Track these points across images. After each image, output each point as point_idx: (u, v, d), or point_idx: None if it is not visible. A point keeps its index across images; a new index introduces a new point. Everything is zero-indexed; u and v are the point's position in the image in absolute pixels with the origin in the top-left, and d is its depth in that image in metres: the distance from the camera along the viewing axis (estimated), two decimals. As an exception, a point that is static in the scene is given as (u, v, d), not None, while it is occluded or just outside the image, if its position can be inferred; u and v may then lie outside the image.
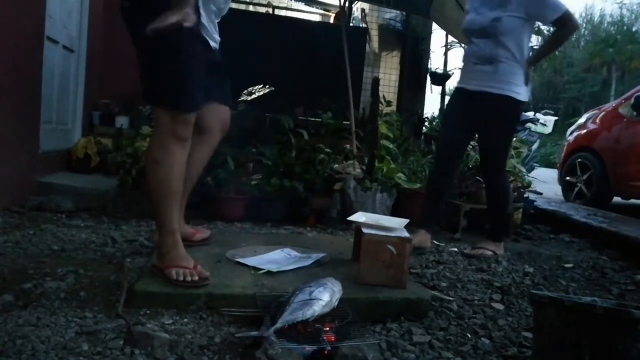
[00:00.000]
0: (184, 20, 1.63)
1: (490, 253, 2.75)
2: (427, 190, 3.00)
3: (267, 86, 4.53)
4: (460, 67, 2.83)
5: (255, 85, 4.57)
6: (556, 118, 10.15)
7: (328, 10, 7.38)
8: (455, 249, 2.87)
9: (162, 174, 1.78)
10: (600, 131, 5.19)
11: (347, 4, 5.68)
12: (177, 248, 1.80)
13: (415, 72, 6.05)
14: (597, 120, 5.30)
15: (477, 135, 2.86)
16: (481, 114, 2.67)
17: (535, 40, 8.86)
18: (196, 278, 1.73)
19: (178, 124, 1.75)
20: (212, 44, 1.91)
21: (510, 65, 2.60)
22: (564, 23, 2.59)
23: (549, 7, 2.57)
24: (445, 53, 7.39)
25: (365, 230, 1.96)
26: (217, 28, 1.97)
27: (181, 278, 1.72)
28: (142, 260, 2.14)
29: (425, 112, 6.25)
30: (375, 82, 3.75)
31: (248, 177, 3.28)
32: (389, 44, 6.26)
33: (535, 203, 4.02)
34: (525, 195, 3.88)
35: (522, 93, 2.65)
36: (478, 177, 3.51)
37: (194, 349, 1.43)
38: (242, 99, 4.51)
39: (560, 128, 12.40)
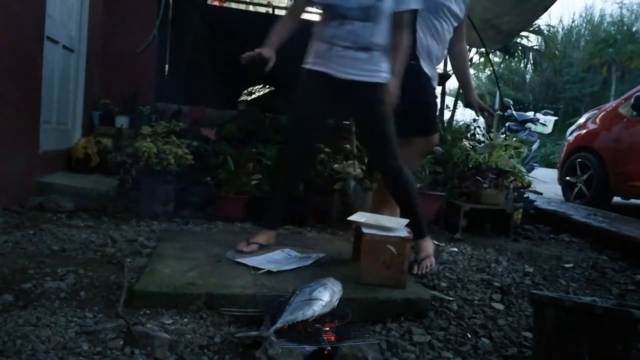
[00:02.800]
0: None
1: (432, 260, 2.38)
2: (277, 184, 2.56)
3: (267, 86, 4.54)
4: (314, 46, 2.34)
5: (255, 85, 4.58)
6: (556, 118, 10.16)
7: (328, 10, 7.36)
8: (455, 249, 2.87)
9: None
10: (600, 131, 5.19)
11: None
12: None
13: (415, 72, 6.04)
14: (597, 120, 5.30)
15: (356, 126, 2.72)
16: (358, 103, 2.34)
17: (535, 40, 8.91)
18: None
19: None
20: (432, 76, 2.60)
21: (381, 55, 2.28)
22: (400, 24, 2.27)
23: None
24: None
25: (365, 230, 1.96)
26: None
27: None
28: (142, 260, 2.14)
29: (425, 112, 6.25)
30: (375, 82, 3.74)
31: (248, 177, 3.28)
32: (389, 44, 6.25)
33: (535, 203, 4.03)
34: (525, 195, 3.88)
35: (388, 77, 2.36)
36: (478, 177, 3.51)
37: (194, 349, 1.43)
38: (242, 99, 4.52)
39: (560, 128, 12.40)
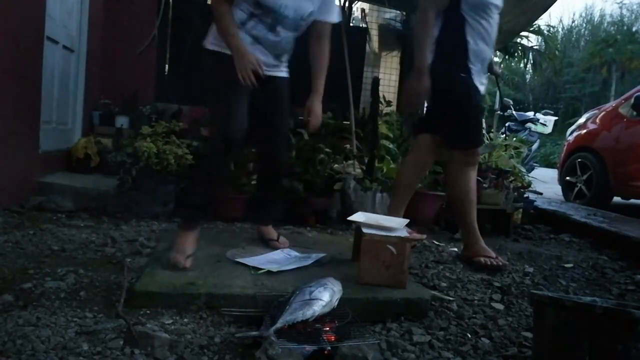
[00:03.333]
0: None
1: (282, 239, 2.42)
2: (205, 180, 2.15)
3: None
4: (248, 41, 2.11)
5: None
6: (556, 118, 10.15)
7: (328, 10, 7.37)
8: (456, 249, 2.87)
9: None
10: (600, 131, 5.19)
11: (347, 4, 5.68)
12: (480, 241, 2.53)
13: (415, 72, 6.05)
14: (597, 120, 5.30)
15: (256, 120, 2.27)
16: (272, 96, 2.29)
17: (535, 40, 8.90)
18: (500, 263, 2.42)
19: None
20: (481, 87, 2.50)
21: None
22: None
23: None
24: (445, 53, 7.40)
25: (365, 230, 1.96)
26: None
27: (489, 263, 2.42)
28: (142, 260, 2.14)
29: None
30: (375, 82, 3.75)
31: (248, 177, 3.28)
32: (389, 44, 6.26)
33: (535, 203, 4.02)
34: (525, 195, 3.88)
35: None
36: (478, 177, 3.51)
37: (194, 349, 1.43)
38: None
39: (560, 128, 12.39)
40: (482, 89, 2.55)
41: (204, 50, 2.18)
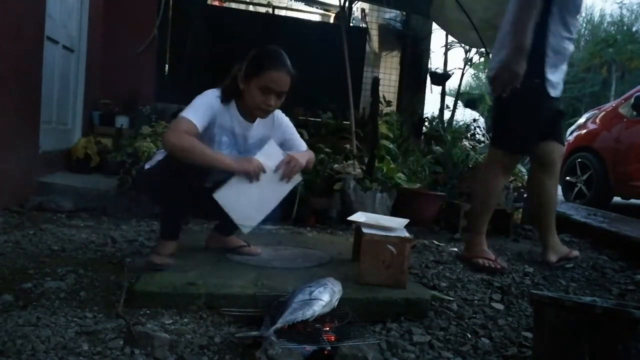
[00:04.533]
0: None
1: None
2: (172, 194, 1.91)
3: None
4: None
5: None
6: (556, 118, 10.12)
7: (328, 10, 7.38)
8: (456, 249, 2.87)
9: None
10: (600, 131, 5.19)
11: (347, 4, 5.68)
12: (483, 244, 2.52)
13: (415, 72, 6.06)
14: (597, 120, 5.30)
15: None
16: None
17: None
18: (498, 267, 2.43)
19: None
20: (556, 91, 2.40)
21: None
22: None
23: None
24: (445, 53, 7.42)
25: (365, 230, 1.96)
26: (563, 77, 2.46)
27: (487, 265, 2.42)
28: (142, 260, 2.14)
29: (425, 112, 6.26)
30: (375, 82, 3.75)
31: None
32: (389, 44, 6.27)
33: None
34: (525, 195, 3.88)
35: None
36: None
37: (194, 349, 1.43)
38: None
39: (560, 128, 12.35)
40: (557, 92, 2.41)
41: (146, 172, 2.01)
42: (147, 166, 2.01)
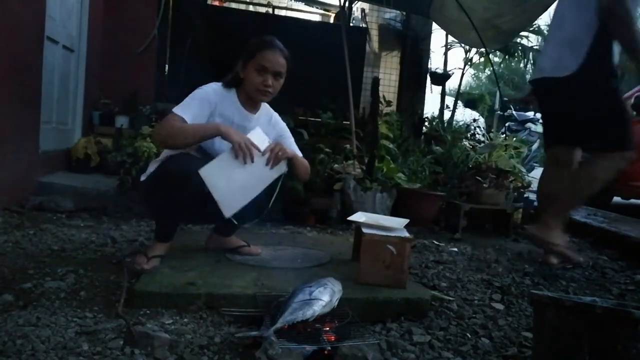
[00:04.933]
0: None
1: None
2: (166, 199, 1.92)
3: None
4: None
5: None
6: (556, 118, 10.11)
7: (328, 10, 7.38)
8: (456, 249, 2.87)
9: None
10: (601, 131, 5.18)
11: (347, 4, 5.69)
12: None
13: (415, 72, 6.06)
14: (597, 120, 5.29)
15: None
16: None
17: (535, 40, 8.89)
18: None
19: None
20: None
21: None
22: None
23: None
24: (445, 53, 7.42)
25: (365, 230, 1.96)
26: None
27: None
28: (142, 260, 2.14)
29: (425, 112, 6.26)
30: (375, 82, 3.75)
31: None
32: (389, 44, 6.27)
33: (535, 203, 4.02)
34: (525, 195, 3.88)
35: None
36: (478, 177, 3.51)
37: (194, 349, 1.43)
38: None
39: (560, 128, 12.34)
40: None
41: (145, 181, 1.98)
42: (142, 178, 2.03)
